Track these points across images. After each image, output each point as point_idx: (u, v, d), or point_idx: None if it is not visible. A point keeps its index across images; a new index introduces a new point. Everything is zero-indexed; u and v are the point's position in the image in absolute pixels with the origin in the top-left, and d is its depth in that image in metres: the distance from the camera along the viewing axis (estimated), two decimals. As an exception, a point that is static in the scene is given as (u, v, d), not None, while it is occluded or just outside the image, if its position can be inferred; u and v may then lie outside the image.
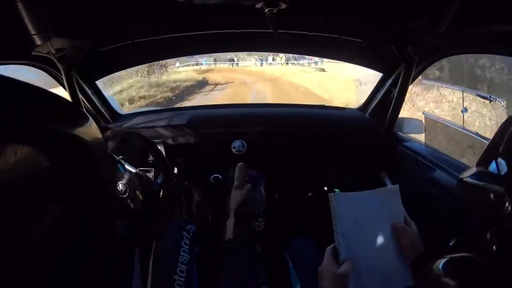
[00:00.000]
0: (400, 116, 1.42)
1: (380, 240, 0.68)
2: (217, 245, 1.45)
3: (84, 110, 1.33)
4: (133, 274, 1.01)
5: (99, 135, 0.30)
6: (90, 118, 0.29)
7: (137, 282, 1.01)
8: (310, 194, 1.67)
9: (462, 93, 2.55)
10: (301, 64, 22.13)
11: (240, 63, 24.52)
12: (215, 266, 0.70)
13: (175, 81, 14.62)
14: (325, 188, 1.53)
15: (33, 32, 0.78)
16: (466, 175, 0.55)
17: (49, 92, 0.25)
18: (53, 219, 0.26)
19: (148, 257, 0.96)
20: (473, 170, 0.55)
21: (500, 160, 0.51)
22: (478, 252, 0.45)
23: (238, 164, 0.89)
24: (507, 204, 0.44)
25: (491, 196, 0.57)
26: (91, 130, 0.28)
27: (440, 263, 0.44)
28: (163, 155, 1.05)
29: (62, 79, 1.19)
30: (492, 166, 0.53)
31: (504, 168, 0.50)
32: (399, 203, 0.72)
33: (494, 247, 0.57)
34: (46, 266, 0.25)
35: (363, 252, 0.66)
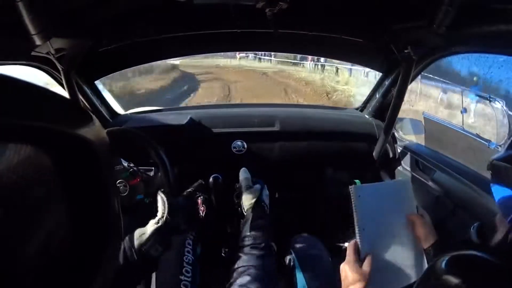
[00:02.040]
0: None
1: (396, 232, 0.69)
2: (217, 245, 1.45)
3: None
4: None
5: (103, 134, 0.30)
6: (94, 117, 0.29)
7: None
8: (309, 194, 1.67)
9: (462, 94, 2.56)
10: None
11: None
12: (215, 266, 0.69)
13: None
14: (323, 190, 1.53)
15: (32, 32, 0.77)
16: (496, 157, 0.55)
17: (53, 92, 0.24)
18: (57, 219, 0.26)
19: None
20: (503, 152, 0.55)
21: None
22: (480, 251, 0.45)
23: (242, 168, 0.91)
24: None
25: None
26: (95, 129, 0.28)
27: (444, 260, 0.44)
28: (163, 155, 1.05)
29: (62, 79, 1.19)
30: None
31: None
32: (412, 195, 0.73)
33: (496, 245, 0.57)
34: (50, 266, 0.25)
35: (382, 246, 0.67)
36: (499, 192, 0.56)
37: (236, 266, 0.68)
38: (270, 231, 0.76)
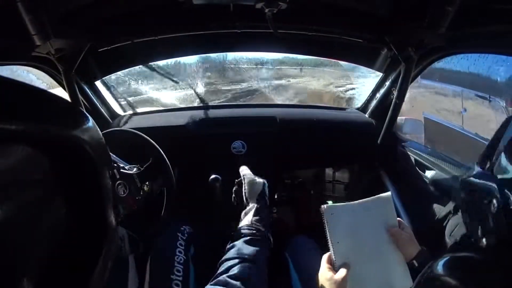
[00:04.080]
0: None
1: (377, 244, 0.70)
2: (216, 245, 1.45)
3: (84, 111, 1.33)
4: (128, 274, 1.01)
5: (99, 135, 0.30)
6: (91, 118, 0.29)
7: (134, 282, 1.01)
8: (309, 194, 1.66)
9: (461, 94, 2.56)
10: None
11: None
12: (215, 266, 0.69)
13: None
14: (323, 190, 1.53)
15: (32, 32, 0.77)
16: (466, 176, 0.55)
17: (50, 93, 0.24)
18: (55, 219, 0.26)
19: (144, 258, 0.97)
20: (474, 170, 0.55)
21: (500, 159, 0.51)
22: (478, 252, 0.45)
23: (243, 166, 0.91)
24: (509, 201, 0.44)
25: (491, 194, 0.57)
26: (91, 131, 0.28)
27: (440, 262, 0.44)
28: (163, 155, 1.05)
29: (62, 80, 1.19)
30: (492, 165, 0.54)
31: (503, 167, 0.50)
32: (393, 210, 0.73)
33: (494, 246, 0.57)
34: (49, 265, 0.25)
35: (360, 257, 0.67)
36: None
37: (228, 256, 0.67)
38: (269, 224, 0.76)
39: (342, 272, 0.64)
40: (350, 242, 0.68)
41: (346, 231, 0.68)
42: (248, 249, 0.67)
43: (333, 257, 0.66)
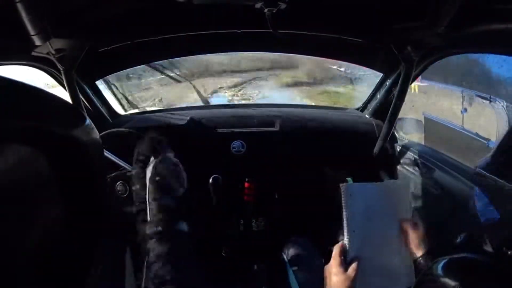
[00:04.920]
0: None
1: (387, 237, 0.67)
2: (217, 246, 1.45)
3: (84, 111, 1.33)
4: (125, 271, 1.02)
5: (96, 135, 0.30)
6: (88, 119, 0.29)
7: (130, 279, 1.01)
8: (309, 194, 1.66)
9: (462, 94, 2.56)
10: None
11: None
12: (215, 266, 0.69)
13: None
14: (323, 190, 1.53)
15: (33, 32, 0.77)
16: (466, 176, 0.55)
17: (48, 93, 0.25)
18: (53, 217, 0.26)
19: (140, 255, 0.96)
20: (474, 170, 0.55)
21: (500, 161, 0.51)
22: (478, 252, 0.45)
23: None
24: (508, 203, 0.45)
25: (491, 195, 0.58)
26: (88, 130, 0.28)
27: (440, 263, 0.44)
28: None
29: (62, 80, 1.19)
30: (493, 167, 0.54)
31: (503, 169, 0.50)
32: (409, 199, 0.71)
33: (493, 247, 0.57)
34: (47, 262, 0.25)
35: (370, 251, 0.65)
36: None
37: (148, 261, 0.55)
38: (176, 212, 0.64)
39: (353, 267, 0.60)
40: (365, 232, 0.64)
41: (362, 218, 0.64)
42: (159, 249, 0.56)
43: (348, 246, 0.62)
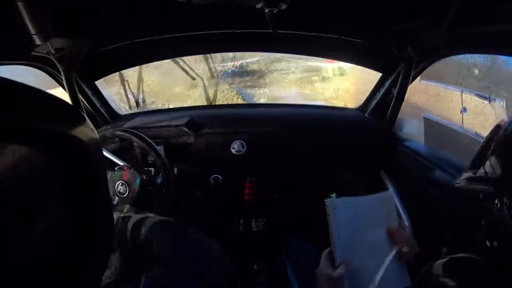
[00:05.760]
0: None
1: (375, 242, 0.70)
2: (216, 245, 1.45)
3: (84, 111, 1.33)
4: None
5: (95, 135, 0.30)
6: (87, 118, 0.29)
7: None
8: (309, 194, 1.66)
9: (461, 93, 2.56)
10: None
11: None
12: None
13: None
14: (323, 190, 1.53)
15: (32, 32, 0.78)
16: (466, 176, 0.56)
17: (46, 93, 0.25)
18: (52, 217, 0.26)
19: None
20: (465, 175, 0.56)
21: (489, 163, 0.51)
22: (478, 252, 0.45)
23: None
24: (498, 205, 0.45)
25: (491, 195, 0.57)
26: (87, 130, 0.28)
27: (440, 263, 0.44)
28: (162, 155, 1.05)
29: (62, 80, 1.19)
30: (482, 170, 0.54)
31: (493, 170, 0.50)
32: (393, 209, 0.74)
33: (492, 247, 0.57)
34: (47, 263, 0.25)
35: (359, 255, 0.68)
36: None
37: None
38: None
39: (341, 270, 0.64)
40: (351, 238, 0.68)
41: (348, 226, 0.68)
42: None
43: (334, 252, 0.66)
